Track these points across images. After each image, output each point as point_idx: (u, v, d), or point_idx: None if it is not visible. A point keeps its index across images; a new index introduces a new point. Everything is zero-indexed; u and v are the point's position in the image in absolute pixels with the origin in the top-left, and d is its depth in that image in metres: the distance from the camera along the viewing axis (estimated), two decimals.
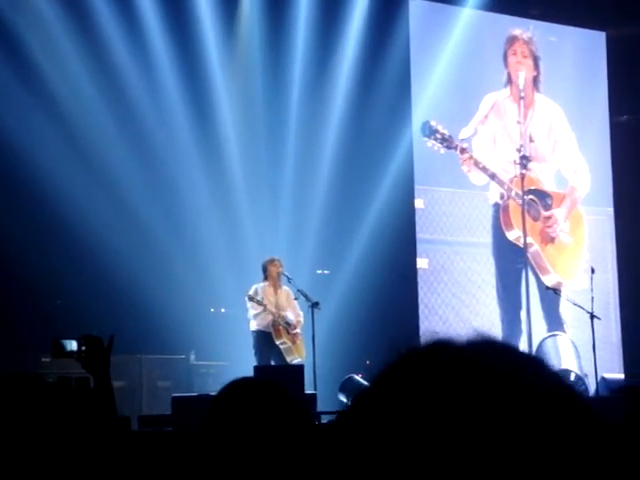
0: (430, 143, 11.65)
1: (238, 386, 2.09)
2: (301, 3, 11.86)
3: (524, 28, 12.64)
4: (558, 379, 0.79)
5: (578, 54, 13.06)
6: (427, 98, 11.91)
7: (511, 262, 12.03)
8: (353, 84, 11.93)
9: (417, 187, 11.78)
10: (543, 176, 12.44)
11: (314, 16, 11.79)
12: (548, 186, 12.47)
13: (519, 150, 11.97)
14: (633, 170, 12.75)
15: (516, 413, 0.74)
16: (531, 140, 12.19)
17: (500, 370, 0.77)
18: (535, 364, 0.80)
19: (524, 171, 11.89)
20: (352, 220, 11.66)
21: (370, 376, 0.83)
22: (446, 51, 12.06)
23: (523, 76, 12.34)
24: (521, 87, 12.29)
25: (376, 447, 0.74)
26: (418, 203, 11.76)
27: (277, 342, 9.77)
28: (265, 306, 9.73)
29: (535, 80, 12.58)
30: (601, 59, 13.25)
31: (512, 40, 12.52)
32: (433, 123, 11.66)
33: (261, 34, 11.79)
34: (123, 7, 10.96)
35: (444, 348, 0.80)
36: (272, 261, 9.98)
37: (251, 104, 11.78)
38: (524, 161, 11.90)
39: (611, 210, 13.01)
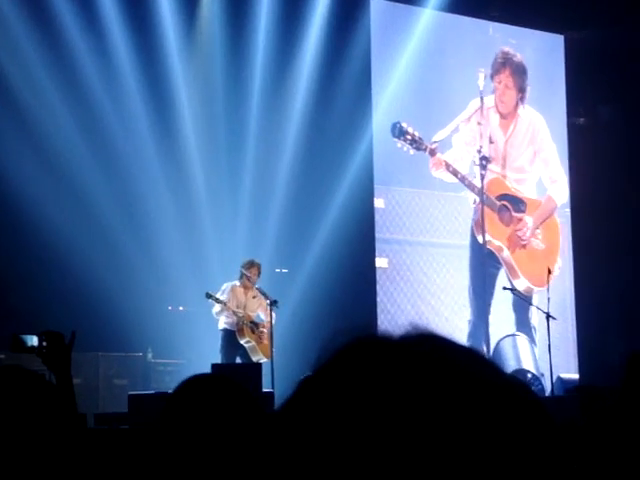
0: (400, 144, 11.69)
1: (193, 383, 2.09)
2: (262, 2, 11.84)
3: (484, 31, 12.72)
4: (497, 370, 0.80)
5: (537, 56, 13.17)
6: (388, 98, 11.94)
7: (482, 265, 12.11)
8: (313, 84, 11.93)
9: (377, 187, 11.81)
10: (522, 185, 12.54)
11: (275, 15, 11.77)
12: (526, 194, 12.57)
13: (479, 151, 12.05)
14: (590, 172, 12.88)
15: (451, 403, 0.75)
16: (491, 142, 12.27)
17: (434, 360, 0.78)
18: (473, 356, 0.81)
19: (483, 172, 11.97)
20: (311, 219, 11.66)
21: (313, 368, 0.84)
22: (407, 51, 12.10)
23: (497, 96, 12.45)
24: (485, 108, 12.37)
25: (317, 435, 0.75)
26: (378, 203, 11.79)
27: (241, 341, 9.77)
28: (224, 304, 9.71)
29: (521, 98, 12.67)
30: (559, 62, 13.37)
31: (498, 68, 12.57)
32: (404, 125, 11.70)
33: (222, 32, 11.75)
34: (84, 7, 10.89)
35: (382, 341, 0.81)
36: (251, 265, 9.96)
37: (211, 104, 11.74)
38: (483, 162, 11.98)
39: (569, 211, 13.13)
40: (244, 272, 9.89)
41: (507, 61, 12.63)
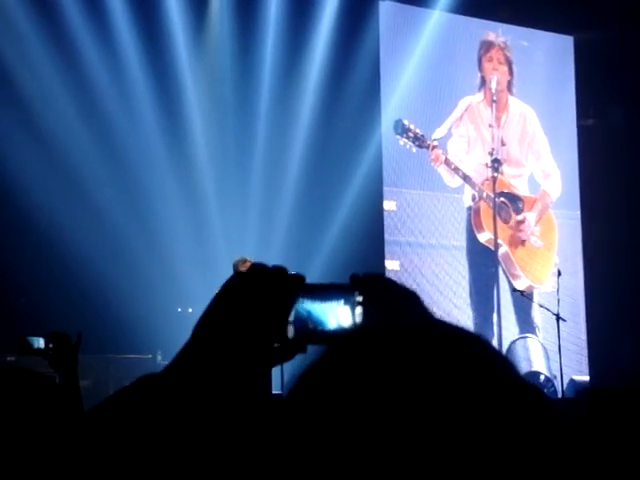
0: (402, 141, 11.71)
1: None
2: (271, 2, 11.85)
3: (495, 32, 12.71)
4: (495, 356, 0.80)
5: (546, 58, 13.15)
6: (396, 100, 11.94)
7: (484, 265, 12.08)
8: (322, 86, 11.92)
9: (387, 189, 11.81)
10: (516, 181, 12.51)
11: (284, 15, 11.78)
12: (521, 190, 12.55)
13: (491, 153, 12.03)
14: (600, 174, 12.85)
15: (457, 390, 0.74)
16: (503, 144, 12.26)
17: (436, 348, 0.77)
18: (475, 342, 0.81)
19: (496, 174, 11.96)
20: (320, 221, 11.65)
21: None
22: (416, 53, 12.09)
23: (496, 80, 12.39)
24: (493, 91, 12.35)
25: (324, 423, 0.75)
26: (390, 205, 11.79)
27: None
28: None
29: (509, 84, 12.66)
30: (569, 63, 13.35)
31: (488, 46, 12.56)
32: (406, 122, 11.73)
33: (231, 32, 11.76)
34: (92, 5, 10.91)
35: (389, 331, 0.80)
36: (244, 261, 9.96)
37: (220, 103, 11.74)
38: (496, 164, 11.96)
39: (579, 213, 13.11)
40: (242, 270, 9.87)
41: (496, 40, 12.63)
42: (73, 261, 9.99)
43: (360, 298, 1.20)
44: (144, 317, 10.10)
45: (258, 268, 1.19)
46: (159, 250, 10.92)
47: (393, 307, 1.21)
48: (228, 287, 1.20)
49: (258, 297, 1.16)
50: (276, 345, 1.20)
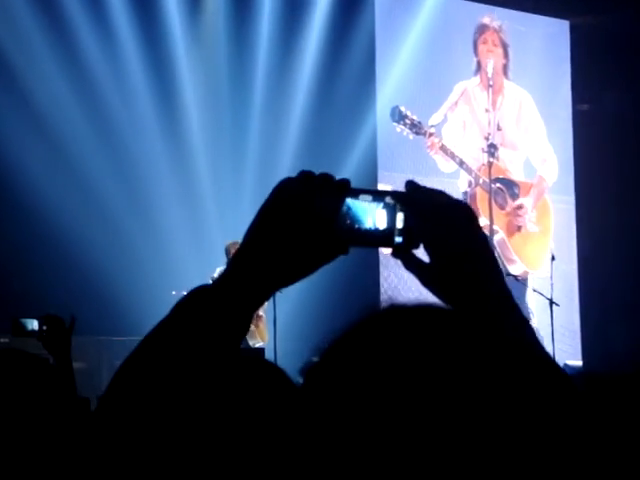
0: (399, 128, 11.69)
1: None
2: None
3: (491, 15, 12.68)
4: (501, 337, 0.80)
5: (542, 42, 13.13)
6: (392, 84, 11.91)
7: None
8: (318, 71, 11.89)
9: (381, 174, 11.79)
10: (512, 165, 12.49)
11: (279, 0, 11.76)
12: (517, 175, 12.53)
13: (487, 138, 12.02)
14: (595, 159, 12.84)
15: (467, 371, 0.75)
16: (499, 129, 12.24)
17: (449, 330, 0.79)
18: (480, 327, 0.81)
19: (492, 159, 11.95)
20: None
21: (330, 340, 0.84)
22: (412, 37, 12.06)
23: (492, 64, 12.36)
24: (490, 75, 12.32)
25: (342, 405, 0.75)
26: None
27: None
28: None
29: (505, 68, 12.64)
30: (565, 48, 13.33)
31: (482, 29, 12.55)
32: (402, 108, 11.71)
33: (226, 15, 11.73)
34: None
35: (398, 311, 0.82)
36: (236, 244, 9.94)
37: (215, 87, 11.72)
38: (492, 149, 11.95)
39: (573, 198, 13.11)
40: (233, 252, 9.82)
41: (490, 23, 12.61)
42: (68, 244, 9.99)
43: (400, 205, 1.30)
44: (138, 300, 10.11)
45: (306, 173, 1.23)
46: (154, 233, 10.92)
47: (436, 218, 1.27)
48: (278, 191, 1.24)
49: (306, 200, 1.22)
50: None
